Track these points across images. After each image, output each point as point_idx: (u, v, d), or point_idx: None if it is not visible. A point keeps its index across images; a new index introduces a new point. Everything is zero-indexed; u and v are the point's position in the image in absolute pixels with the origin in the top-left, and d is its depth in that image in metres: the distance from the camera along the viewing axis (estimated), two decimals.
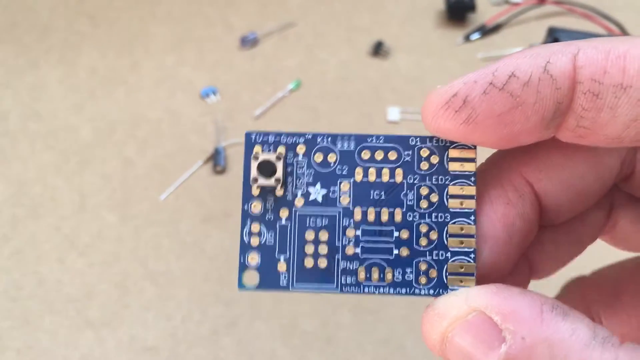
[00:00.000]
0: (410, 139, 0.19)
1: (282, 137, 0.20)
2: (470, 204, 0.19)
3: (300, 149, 0.20)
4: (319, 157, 0.20)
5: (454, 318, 0.17)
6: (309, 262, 0.20)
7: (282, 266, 0.20)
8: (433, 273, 0.19)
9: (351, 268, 0.19)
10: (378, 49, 0.59)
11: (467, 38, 0.60)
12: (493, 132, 0.18)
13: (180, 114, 0.54)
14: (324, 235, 0.20)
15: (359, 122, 0.53)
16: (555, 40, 0.52)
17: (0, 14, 0.61)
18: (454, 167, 0.19)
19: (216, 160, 0.49)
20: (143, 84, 0.56)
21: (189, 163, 0.50)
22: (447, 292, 0.19)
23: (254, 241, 0.20)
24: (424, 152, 0.19)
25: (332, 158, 0.20)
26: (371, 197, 0.20)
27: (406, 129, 0.53)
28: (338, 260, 0.19)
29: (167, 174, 0.49)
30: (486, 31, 0.60)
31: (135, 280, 0.43)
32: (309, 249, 0.20)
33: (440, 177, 0.19)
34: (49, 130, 0.52)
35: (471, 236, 0.19)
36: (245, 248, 0.20)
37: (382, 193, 0.20)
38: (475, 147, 0.19)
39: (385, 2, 0.64)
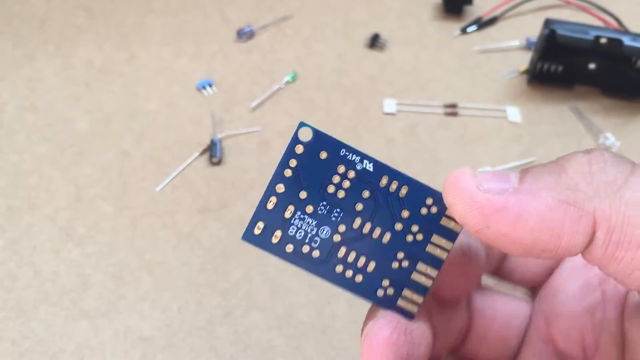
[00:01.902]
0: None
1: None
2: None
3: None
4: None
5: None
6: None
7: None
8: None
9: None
10: (374, 42, 0.59)
11: (463, 30, 0.60)
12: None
13: (177, 106, 0.54)
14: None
15: (356, 114, 0.53)
16: (552, 32, 0.52)
17: None
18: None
19: (212, 152, 0.49)
20: (139, 76, 0.56)
21: (185, 155, 0.50)
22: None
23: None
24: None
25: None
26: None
27: (402, 121, 0.53)
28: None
29: (163, 166, 0.49)
30: (482, 24, 0.60)
31: (131, 271, 0.43)
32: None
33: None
34: (46, 122, 0.52)
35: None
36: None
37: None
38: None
39: None
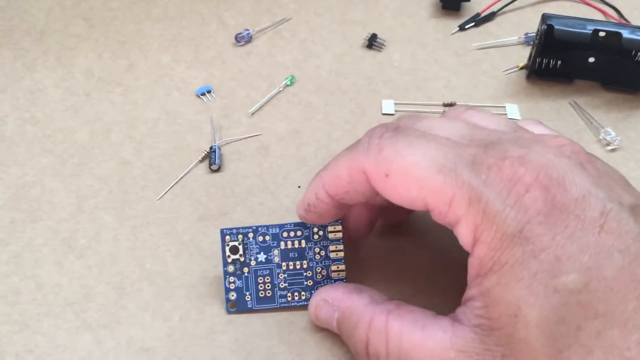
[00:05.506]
0: (307, 225, 0.39)
1: (240, 229, 0.40)
2: (341, 255, 0.40)
3: (251, 235, 0.40)
4: (260, 238, 0.40)
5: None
6: (261, 294, 0.40)
7: (248, 297, 0.40)
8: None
9: (284, 294, 0.40)
10: (372, 42, 0.59)
11: (461, 27, 0.60)
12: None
13: (176, 113, 0.54)
14: (267, 279, 0.40)
15: (354, 116, 0.53)
16: (549, 27, 0.51)
17: None
18: (331, 235, 0.39)
19: (211, 159, 0.49)
20: (138, 84, 0.56)
21: (185, 162, 0.50)
22: None
23: (232, 286, 0.40)
24: (316, 229, 0.40)
25: (267, 238, 0.40)
26: (290, 256, 0.40)
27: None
28: (276, 290, 0.40)
29: (163, 174, 0.49)
30: (480, 20, 0.60)
31: (132, 281, 0.43)
32: (261, 286, 0.40)
33: (324, 241, 0.40)
34: (46, 133, 0.52)
35: (342, 271, 0.40)
36: (228, 290, 0.40)
37: (296, 253, 0.40)
38: (340, 223, 0.39)
39: None
